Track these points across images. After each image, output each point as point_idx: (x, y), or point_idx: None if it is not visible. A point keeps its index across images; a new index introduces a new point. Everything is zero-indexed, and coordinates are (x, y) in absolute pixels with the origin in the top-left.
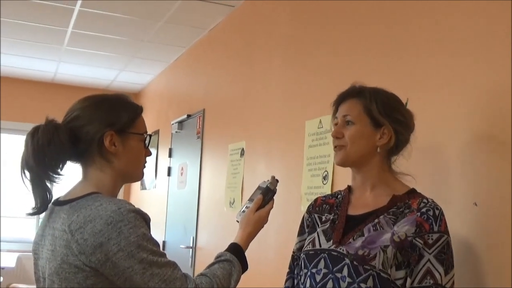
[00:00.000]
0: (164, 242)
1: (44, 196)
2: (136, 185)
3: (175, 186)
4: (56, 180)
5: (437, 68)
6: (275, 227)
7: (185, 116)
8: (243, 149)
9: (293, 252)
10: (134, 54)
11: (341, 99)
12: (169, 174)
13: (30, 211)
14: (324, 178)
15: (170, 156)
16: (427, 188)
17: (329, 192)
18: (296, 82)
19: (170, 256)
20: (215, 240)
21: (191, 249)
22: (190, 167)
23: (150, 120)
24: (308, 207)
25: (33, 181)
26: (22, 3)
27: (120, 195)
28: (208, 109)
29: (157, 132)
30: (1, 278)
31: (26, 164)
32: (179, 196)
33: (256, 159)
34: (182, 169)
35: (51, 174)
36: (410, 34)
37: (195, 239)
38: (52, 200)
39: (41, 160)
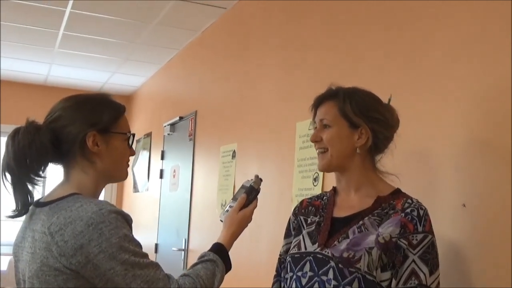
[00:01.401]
0: (156, 245)
1: (25, 198)
2: (128, 188)
3: (168, 188)
4: (38, 182)
5: (429, 70)
6: (267, 229)
7: (177, 118)
8: (234, 151)
9: (280, 254)
10: (127, 56)
11: (318, 103)
12: (161, 177)
13: (11, 213)
14: (315, 179)
15: (162, 158)
16: (416, 189)
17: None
18: (287, 84)
19: (163, 258)
20: (207, 242)
21: (183, 251)
22: (182, 169)
23: (143, 123)
24: (294, 209)
25: (14, 183)
26: (12, 4)
27: (113, 198)
28: (200, 111)
29: (149, 135)
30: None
31: (7, 166)
32: (171, 199)
33: (248, 161)
34: (174, 171)
35: (32, 176)
36: (404, 35)
37: (187, 241)
38: (33, 202)
39: (22, 162)
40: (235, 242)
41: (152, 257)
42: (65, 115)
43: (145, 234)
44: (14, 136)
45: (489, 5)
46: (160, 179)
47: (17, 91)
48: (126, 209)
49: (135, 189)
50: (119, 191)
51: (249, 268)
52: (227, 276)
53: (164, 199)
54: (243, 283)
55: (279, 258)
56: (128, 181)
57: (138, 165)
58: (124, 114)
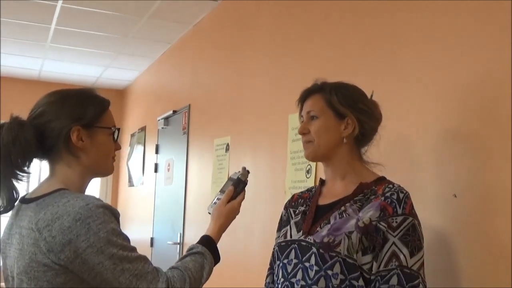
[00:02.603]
0: (152, 239)
1: (11, 194)
2: (123, 183)
3: (162, 182)
4: (23, 178)
5: (411, 61)
6: (260, 221)
7: (171, 112)
8: (228, 144)
9: (274, 248)
10: (119, 50)
11: (304, 97)
12: (156, 171)
13: None
14: (308, 172)
15: (157, 152)
16: (405, 179)
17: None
18: (280, 76)
19: (158, 252)
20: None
21: (178, 245)
22: (176, 163)
23: (137, 117)
24: (286, 203)
25: None
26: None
27: (109, 193)
28: (193, 105)
29: (144, 129)
30: None
31: None
32: (166, 192)
33: (241, 154)
34: (169, 165)
35: (17, 172)
36: (387, 28)
37: (183, 235)
38: (19, 198)
39: (7, 159)
40: (228, 235)
41: (147, 251)
42: (49, 110)
43: (140, 228)
44: None
45: None
46: (155, 173)
47: (11, 86)
48: (121, 203)
49: (130, 183)
50: (114, 186)
51: (243, 260)
52: (220, 269)
53: (159, 193)
54: (237, 275)
55: (272, 252)
56: (123, 175)
57: (133, 159)
58: (108, 109)
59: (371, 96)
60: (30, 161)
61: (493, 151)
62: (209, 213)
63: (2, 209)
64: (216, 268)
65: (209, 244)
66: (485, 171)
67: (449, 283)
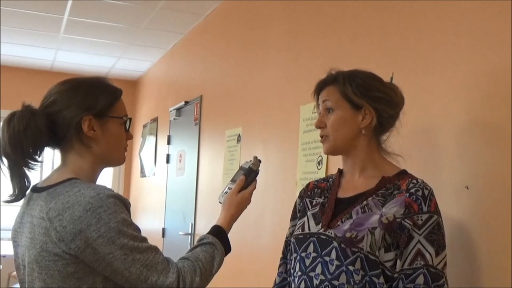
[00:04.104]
0: (163, 229)
1: (22, 183)
2: (136, 173)
3: (174, 173)
4: (34, 167)
5: (434, 49)
6: (271, 212)
7: (182, 103)
8: (239, 135)
9: (286, 237)
10: (132, 41)
11: (319, 88)
12: (168, 161)
13: (8, 198)
14: (319, 163)
15: (168, 143)
16: (420, 170)
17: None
18: (292, 67)
19: (170, 243)
20: None
21: (190, 236)
22: (188, 154)
23: (149, 108)
24: (300, 191)
25: (11, 168)
26: None
27: (121, 183)
28: (205, 96)
29: (156, 120)
30: (1, 266)
31: (3, 151)
32: (177, 183)
33: (252, 145)
34: (180, 156)
35: (28, 161)
36: (406, 15)
37: (194, 226)
38: (30, 187)
39: (18, 147)
40: (239, 226)
41: (159, 241)
42: (60, 99)
43: (152, 219)
44: (10, 121)
45: None
46: (167, 164)
47: (24, 77)
48: (133, 194)
49: (142, 174)
50: (127, 176)
51: (254, 251)
52: (232, 259)
53: (171, 183)
54: (248, 265)
55: (285, 241)
56: (136, 166)
57: (145, 150)
58: (120, 98)
59: (391, 79)
60: (42, 150)
61: None
62: (220, 203)
63: (13, 198)
64: (226, 258)
65: (219, 234)
66: (502, 163)
67: (462, 277)
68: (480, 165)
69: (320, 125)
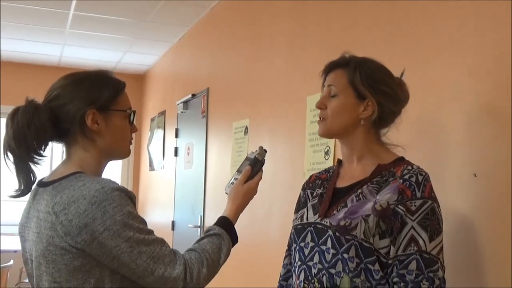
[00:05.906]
0: (173, 222)
1: (28, 178)
2: (144, 167)
3: (182, 166)
4: (39, 161)
5: (441, 36)
6: (279, 203)
7: (189, 96)
8: (246, 127)
9: (292, 229)
10: (138, 35)
11: (328, 69)
12: (176, 155)
13: (13, 193)
14: (326, 153)
15: (176, 136)
16: (425, 159)
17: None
18: (297, 59)
19: (179, 235)
20: None
21: (199, 228)
22: (196, 146)
23: (156, 101)
24: (303, 184)
25: (16, 163)
26: None
27: (130, 177)
28: (212, 88)
29: (163, 113)
30: (12, 261)
31: (8, 146)
32: (186, 176)
33: (260, 137)
34: (188, 149)
35: (33, 155)
36: (414, 3)
37: (203, 218)
38: (36, 181)
39: (22, 142)
40: (246, 217)
41: (169, 234)
42: (63, 94)
43: (162, 212)
44: (13, 116)
45: None
46: (175, 157)
47: (33, 73)
48: (142, 187)
49: (151, 167)
50: (135, 170)
51: (261, 242)
52: (239, 251)
53: (179, 176)
54: (254, 256)
55: (290, 233)
56: (144, 160)
57: (153, 144)
58: (124, 91)
59: (402, 74)
60: (46, 144)
61: None
62: (226, 193)
63: (19, 193)
64: (233, 249)
65: (226, 225)
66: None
67: (468, 266)
68: (488, 153)
69: (321, 106)
